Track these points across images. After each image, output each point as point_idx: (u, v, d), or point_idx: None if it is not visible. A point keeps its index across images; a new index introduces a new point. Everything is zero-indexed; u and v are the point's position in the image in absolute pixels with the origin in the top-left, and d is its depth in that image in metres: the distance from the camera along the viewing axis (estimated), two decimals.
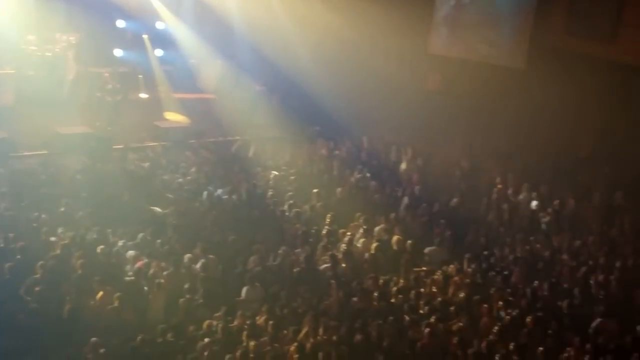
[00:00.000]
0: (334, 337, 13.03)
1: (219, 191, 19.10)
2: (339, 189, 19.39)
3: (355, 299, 14.37)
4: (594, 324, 13.29)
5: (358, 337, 13.11)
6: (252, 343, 12.78)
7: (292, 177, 20.31)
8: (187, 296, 14.30)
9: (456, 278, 15.06)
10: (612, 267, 15.34)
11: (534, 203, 18.73)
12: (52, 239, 15.79)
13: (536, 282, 14.81)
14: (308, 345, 12.76)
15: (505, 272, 15.42)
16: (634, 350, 12.35)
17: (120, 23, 27.97)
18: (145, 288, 14.54)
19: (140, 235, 16.21)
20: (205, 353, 12.73)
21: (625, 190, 19.04)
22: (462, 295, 14.47)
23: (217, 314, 13.75)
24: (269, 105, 24.59)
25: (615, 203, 18.66)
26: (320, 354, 12.56)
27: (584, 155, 21.54)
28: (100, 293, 14.10)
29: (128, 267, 15.26)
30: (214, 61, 27.27)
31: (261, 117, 23.92)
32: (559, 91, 20.58)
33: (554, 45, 21.98)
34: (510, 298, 14.27)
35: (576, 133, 21.73)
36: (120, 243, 16.00)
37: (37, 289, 14.00)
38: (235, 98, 23.85)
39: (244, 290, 14.73)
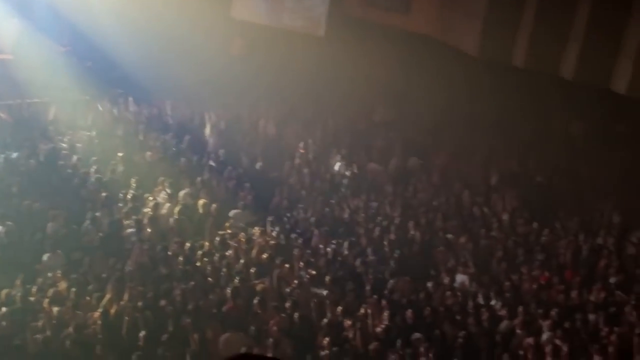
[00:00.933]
0: (139, 303, 13.02)
1: (15, 154, 18.29)
2: (144, 153, 19.15)
3: (160, 263, 14.39)
4: (389, 282, 14.08)
5: (163, 301, 13.17)
6: (55, 309, 12.54)
7: (96, 141, 19.81)
8: None
9: (260, 240, 15.41)
10: (406, 227, 16.24)
11: (336, 166, 19.40)
12: None
13: (335, 243, 15.42)
14: (112, 312, 12.68)
15: (307, 234, 15.93)
16: (426, 305, 13.22)
17: None
18: None
19: None
20: (4, 323, 12.34)
21: (418, 154, 20.19)
22: (265, 256, 14.84)
23: (16, 282, 13.34)
24: (70, 66, 23.72)
25: (409, 167, 19.73)
26: (126, 320, 12.53)
27: (380, 120, 22.57)
28: None
29: None
30: (11, 20, 25.86)
31: (62, 78, 23.04)
32: (357, 59, 21.39)
33: (354, 15, 22.77)
34: (312, 259, 14.79)
35: (372, 99, 22.76)
36: None
37: None
38: (34, 59, 22.79)
39: (45, 256, 14.34)
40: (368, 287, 13.75)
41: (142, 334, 12.19)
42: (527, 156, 19.82)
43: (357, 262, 14.65)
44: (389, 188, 18.38)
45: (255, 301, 13.04)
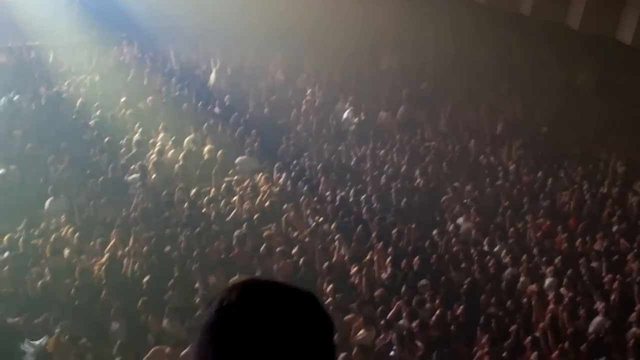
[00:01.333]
0: (144, 248, 13.00)
1: (17, 97, 18.12)
2: (148, 98, 18.98)
3: (165, 209, 14.34)
4: (395, 229, 14.01)
5: (168, 247, 13.14)
6: (58, 254, 12.53)
7: (99, 85, 19.62)
8: None
9: (266, 187, 15.32)
10: (412, 175, 16.14)
11: (345, 114, 19.21)
12: None
13: (342, 190, 15.35)
14: (117, 257, 12.66)
15: (313, 181, 15.85)
16: (432, 252, 13.17)
17: None
18: None
19: None
20: (6, 268, 12.32)
21: (425, 103, 20.00)
22: (271, 204, 14.76)
23: (18, 227, 13.31)
24: (73, 9, 23.39)
25: (416, 115, 19.54)
26: (130, 265, 12.52)
27: (387, 68, 22.32)
28: None
29: None
30: None
31: (64, 21, 22.74)
32: (364, 6, 21.06)
33: None
34: (318, 206, 14.72)
35: (379, 47, 22.49)
36: None
37: None
38: (35, 1, 22.46)
39: (48, 201, 14.28)
40: (374, 234, 13.69)
41: (146, 279, 12.17)
42: (533, 106, 19.63)
43: (364, 210, 14.58)
44: (396, 136, 18.23)
45: (262, 247, 13.01)
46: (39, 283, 11.99)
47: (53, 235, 13.06)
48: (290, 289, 1.38)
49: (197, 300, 11.70)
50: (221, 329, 1.32)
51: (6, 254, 12.55)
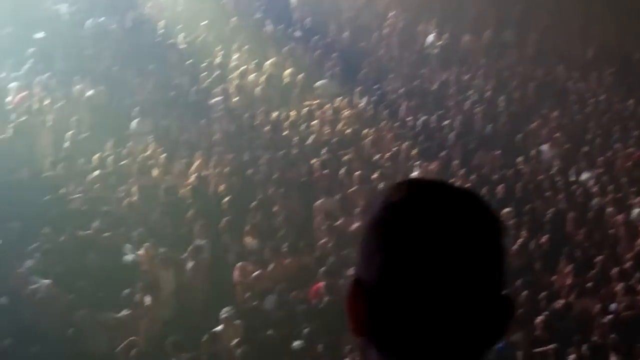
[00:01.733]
0: (226, 170, 13.13)
1: (102, 19, 18.26)
2: (231, 20, 18.90)
3: (246, 132, 14.42)
4: (476, 156, 13.81)
5: (250, 170, 13.24)
6: (144, 174, 12.79)
7: (181, 7, 19.60)
8: (75, 129, 14.01)
9: (346, 111, 15.22)
10: (497, 100, 15.79)
11: (429, 37, 18.80)
12: None
13: (424, 115, 15.13)
14: (201, 178, 12.83)
15: (395, 106, 15.67)
16: (516, 180, 12.95)
17: None
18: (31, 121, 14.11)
19: (25, 66, 15.56)
20: (96, 186, 12.63)
21: (513, 26, 19.39)
22: (351, 128, 14.68)
23: (106, 147, 13.59)
24: None
25: (503, 38, 18.99)
26: (213, 186, 12.68)
27: None
28: None
29: (9, 99, 14.77)
30: None
31: None
32: None
33: None
34: (399, 131, 14.58)
35: None
36: (2, 74, 15.37)
37: None
38: None
39: (134, 122, 14.50)
40: (456, 162, 13.50)
41: (227, 199, 12.31)
42: (626, 31, 18.83)
43: (446, 135, 14.37)
44: (480, 60, 17.78)
45: (342, 171, 13.00)
46: (126, 201, 12.26)
47: (140, 156, 13.31)
48: (456, 188, 1.34)
49: (278, 221, 11.80)
50: (388, 226, 1.28)
51: (96, 172, 12.86)
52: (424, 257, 1.24)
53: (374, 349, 1.27)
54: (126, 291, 10.32)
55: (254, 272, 10.85)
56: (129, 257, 11.17)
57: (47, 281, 10.39)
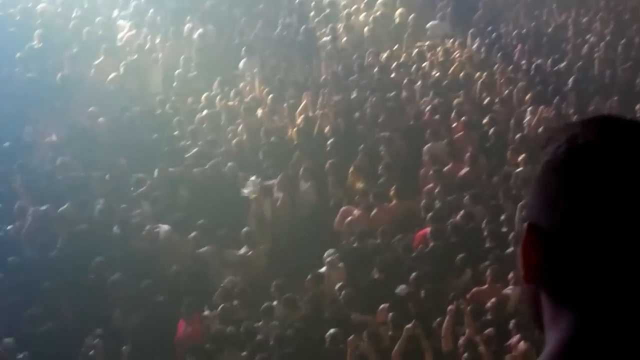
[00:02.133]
0: (332, 111, 12.99)
1: None
2: None
3: (355, 73, 14.20)
4: (593, 102, 13.21)
5: (357, 113, 13.05)
6: (252, 114, 12.81)
7: None
8: (183, 69, 14.14)
9: (458, 53, 14.79)
10: (616, 45, 15.02)
11: None
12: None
13: (539, 59, 14.57)
14: (307, 119, 12.74)
15: (509, 49, 15.13)
16: None
17: None
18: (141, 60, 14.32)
19: (134, 3, 15.75)
20: (204, 125, 12.74)
21: None
22: (463, 71, 14.26)
23: (215, 86, 13.68)
24: None
25: None
26: (318, 127, 12.58)
27: None
28: (101, 58, 13.97)
29: (120, 36, 15.03)
30: None
31: None
32: None
33: None
34: (513, 75, 14.09)
35: None
36: (114, 13, 15.63)
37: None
38: None
39: (242, 62, 14.51)
40: (571, 110, 12.95)
41: (331, 141, 12.20)
42: None
43: (561, 80, 13.78)
44: (601, 2, 16.91)
45: (452, 115, 12.67)
46: (234, 141, 12.30)
47: (248, 96, 13.33)
48: None
49: (383, 165, 11.63)
50: (576, 170, 1.14)
51: (204, 112, 12.96)
52: (620, 207, 1.11)
53: (548, 296, 1.19)
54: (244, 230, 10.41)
55: (358, 215, 10.76)
56: (242, 193, 11.23)
57: (165, 226, 10.53)
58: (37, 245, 10.15)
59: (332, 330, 8.47)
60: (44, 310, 9.11)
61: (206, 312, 9.30)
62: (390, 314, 8.68)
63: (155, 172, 11.47)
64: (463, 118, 12.56)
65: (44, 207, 10.64)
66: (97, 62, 14.01)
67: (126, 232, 10.46)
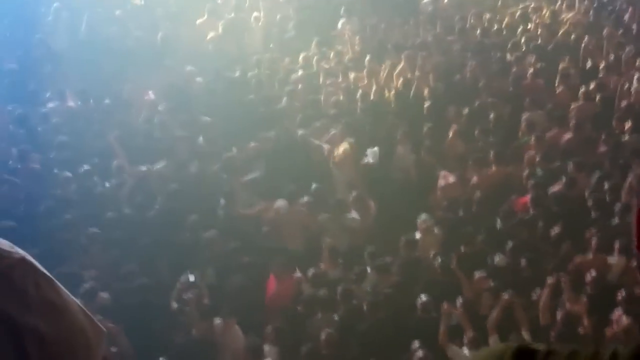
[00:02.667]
0: (431, 75, 12.64)
1: None
2: None
3: (457, 35, 13.80)
4: None
5: (457, 76, 12.69)
6: (350, 75, 12.62)
7: None
8: (280, 28, 14.05)
9: (565, 15, 14.19)
10: None
11: None
12: None
13: None
14: (405, 80, 12.45)
15: (619, 12, 14.44)
16: None
17: None
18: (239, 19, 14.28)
19: None
20: (300, 87, 12.58)
21: None
22: (570, 34, 13.67)
23: (312, 46, 13.52)
24: None
25: None
26: (415, 89, 12.28)
27: None
28: (205, 17, 14.02)
29: None
30: None
31: None
32: None
33: None
34: (623, 39, 13.42)
35: None
36: None
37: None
38: None
39: (340, 22, 14.30)
40: None
41: (427, 105, 11.89)
42: None
43: None
44: None
45: (556, 80, 12.16)
46: (332, 99, 12.08)
47: (346, 57, 13.12)
48: None
49: (483, 130, 11.27)
50: None
51: (300, 72, 12.81)
52: None
53: None
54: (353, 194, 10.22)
55: (456, 181, 10.46)
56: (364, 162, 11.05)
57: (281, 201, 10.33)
58: (136, 205, 10.18)
59: (424, 298, 8.26)
60: (138, 266, 9.16)
61: (298, 274, 9.19)
62: (489, 283, 8.42)
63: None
64: (572, 82, 12.03)
65: (144, 168, 10.67)
66: (199, 21, 14.05)
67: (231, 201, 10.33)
